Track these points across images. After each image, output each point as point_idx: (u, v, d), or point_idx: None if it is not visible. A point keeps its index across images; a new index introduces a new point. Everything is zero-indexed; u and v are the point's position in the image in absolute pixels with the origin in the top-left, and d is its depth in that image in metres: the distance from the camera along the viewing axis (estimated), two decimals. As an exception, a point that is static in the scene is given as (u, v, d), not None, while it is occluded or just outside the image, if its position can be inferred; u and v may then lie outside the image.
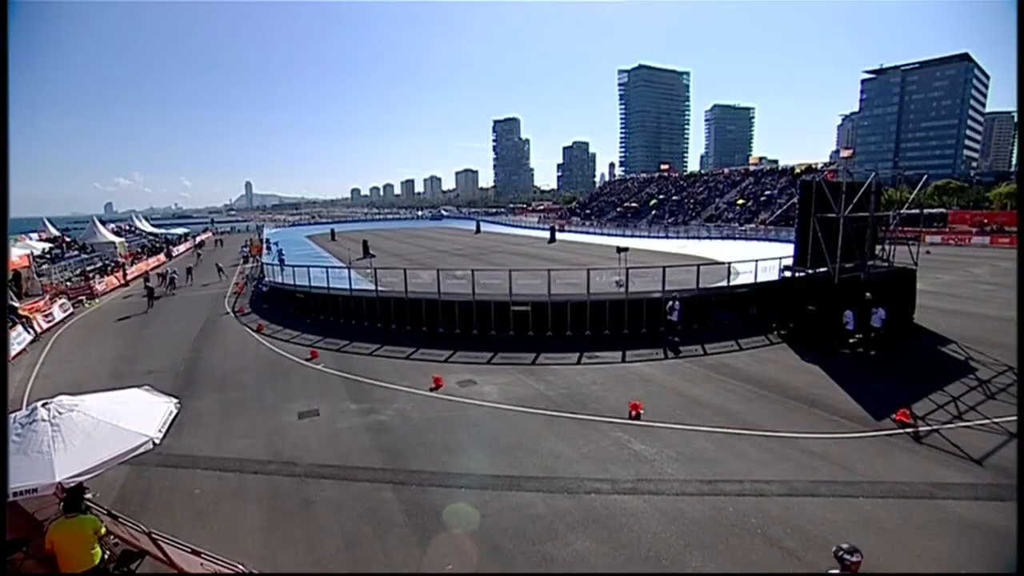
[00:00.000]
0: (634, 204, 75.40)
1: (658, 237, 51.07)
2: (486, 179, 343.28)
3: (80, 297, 28.60)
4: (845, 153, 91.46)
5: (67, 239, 44.71)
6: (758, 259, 20.14)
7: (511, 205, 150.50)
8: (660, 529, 7.70)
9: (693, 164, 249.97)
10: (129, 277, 36.33)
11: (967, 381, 13.01)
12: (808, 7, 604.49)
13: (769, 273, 19.23)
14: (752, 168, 70.72)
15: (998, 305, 20.58)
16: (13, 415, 6.87)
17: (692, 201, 68.44)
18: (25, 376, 16.32)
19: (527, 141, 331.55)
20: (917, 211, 24.21)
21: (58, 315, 24.31)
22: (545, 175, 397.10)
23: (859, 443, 10.06)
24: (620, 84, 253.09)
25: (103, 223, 52.41)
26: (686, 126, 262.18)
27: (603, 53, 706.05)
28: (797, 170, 59.41)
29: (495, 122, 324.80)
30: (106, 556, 6.95)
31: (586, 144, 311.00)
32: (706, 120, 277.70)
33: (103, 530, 6.36)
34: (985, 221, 47.52)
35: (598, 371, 14.69)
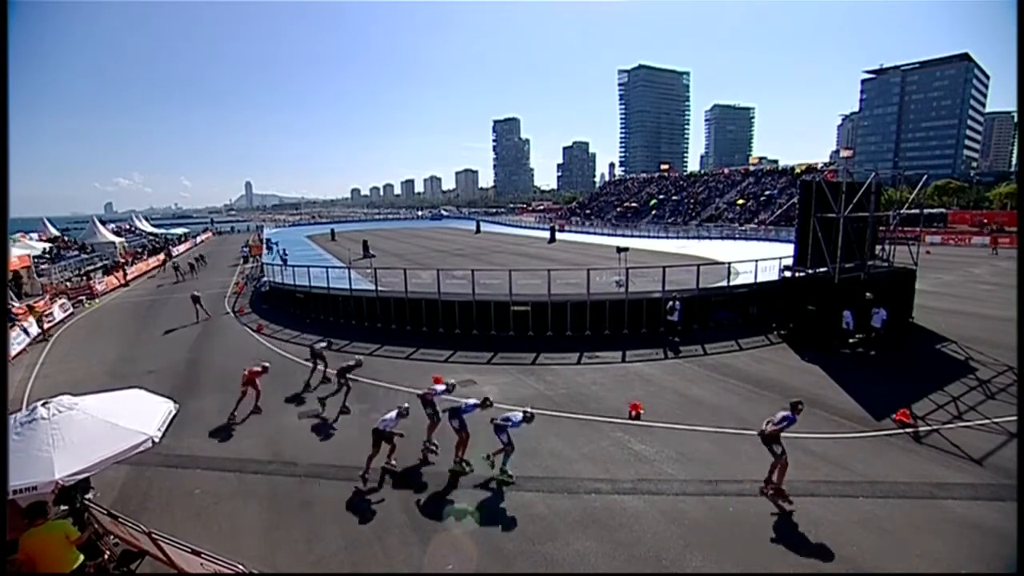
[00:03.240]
0: (634, 204, 75.40)
1: (658, 237, 51.03)
2: (486, 179, 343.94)
3: (80, 297, 28.60)
4: (845, 153, 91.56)
5: (67, 239, 44.74)
6: (758, 259, 20.12)
7: (511, 205, 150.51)
8: (660, 529, 7.70)
9: (693, 164, 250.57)
10: (129, 277, 36.33)
11: (967, 381, 13.01)
12: (808, 7, 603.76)
13: (769, 273, 19.21)
14: (752, 168, 70.66)
15: (998, 305, 20.56)
16: (13, 415, 6.88)
17: (692, 201, 68.40)
18: (25, 376, 16.33)
19: (527, 141, 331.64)
20: (917, 211, 24.19)
21: (58, 315, 24.32)
22: (545, 175, 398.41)
23: (859, 443, 10.07)
24: (620, 84, 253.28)
25: (103, 223, 52.39)
26: (686, 126, 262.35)
27: (603, 53, 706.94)
28: (797, 170, 59.37)
29: (495, 122, 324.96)
30: (106, 556, 6.97)
31: (586, 144, 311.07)
32: (706, 120, 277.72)
33: (77, 534, 6.15)
34: (985, 221, 47.48)
35: (598, 371, 14.69)
